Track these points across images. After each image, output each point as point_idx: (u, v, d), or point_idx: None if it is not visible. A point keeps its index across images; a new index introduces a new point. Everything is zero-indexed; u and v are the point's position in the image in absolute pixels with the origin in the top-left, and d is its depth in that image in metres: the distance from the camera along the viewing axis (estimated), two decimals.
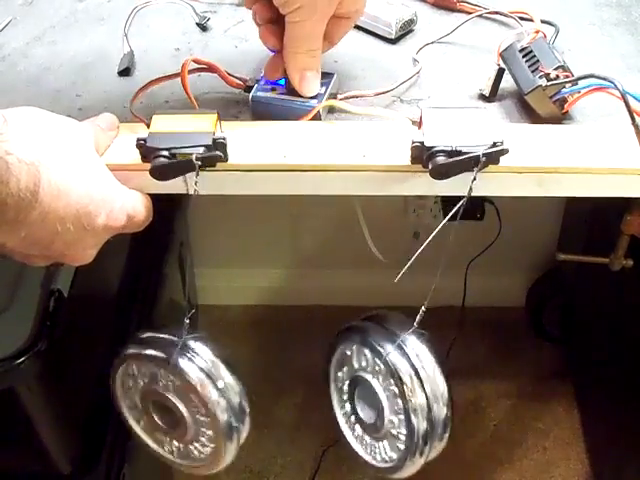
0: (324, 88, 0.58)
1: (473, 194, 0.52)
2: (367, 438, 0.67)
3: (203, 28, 0.68)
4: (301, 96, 0.57)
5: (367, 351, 0.62)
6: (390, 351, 0.60)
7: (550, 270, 1.49)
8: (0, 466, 0.86)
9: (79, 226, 0.48)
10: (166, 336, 0.63)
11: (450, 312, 1.30)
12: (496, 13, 0.67)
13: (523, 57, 0.57)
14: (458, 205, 0.52)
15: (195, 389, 0.62)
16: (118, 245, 0.53)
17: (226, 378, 0.63)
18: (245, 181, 0.54)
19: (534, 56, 0.56)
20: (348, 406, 0.67)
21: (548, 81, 0.54)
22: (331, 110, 0.58)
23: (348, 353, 0.64)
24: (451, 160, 0.49)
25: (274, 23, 0.56)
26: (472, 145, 0.50)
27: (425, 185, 0.53)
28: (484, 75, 0.59)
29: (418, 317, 0.60)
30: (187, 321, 0.61)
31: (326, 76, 0.58)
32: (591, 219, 1.28)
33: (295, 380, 1.46)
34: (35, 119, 0.48)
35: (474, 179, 0.50)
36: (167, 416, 0.67)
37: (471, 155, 0.49)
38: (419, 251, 0.54)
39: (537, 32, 0.60)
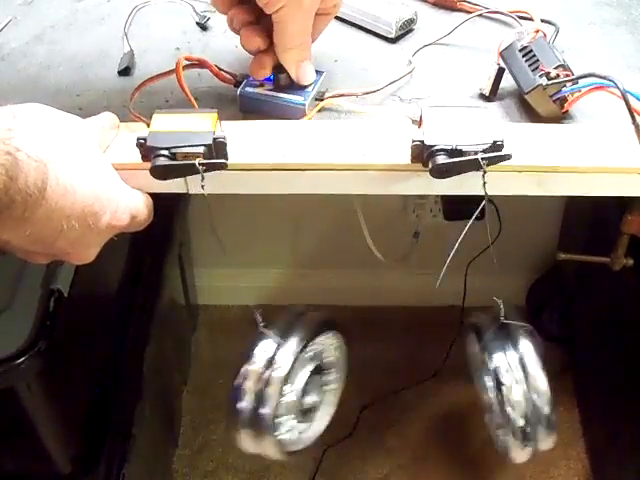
0: (312, 86, 0.58)
1: (473, 194, 0.52)
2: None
3: (203, 27, 0.68)
4: (289, 92, 0.57)
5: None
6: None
7: (550, 270, 1.49)
8: (0, 466, 0.86)
9: (84, 225, 0.48)
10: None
11: (450, 312, 1.29)
12: (496, 12, 0.67)
13: (523, 56, 0.57)
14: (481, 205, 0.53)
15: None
16: (118, 245, 0.53)
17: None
18: (245, 180, 0.54)
19: (534, 55, 0.56)
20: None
21: (548, 80, 0.54)
22: (321, 108, 0.58)
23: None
24: (451, 159, 0.49)
25: (254, 24, 0.56)
26: (472, 144, 0.50)
27: (425, 184, 0.53)
28: (484, 74, 0.59)
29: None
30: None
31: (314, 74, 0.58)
32: (591, 219, 1.27)
33: None
34: (42, 116, 0.48)
35: (485, 183, 0.50)
36: None
37: (471, 158, 0.49)
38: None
39: (537, 31, 0.60)
